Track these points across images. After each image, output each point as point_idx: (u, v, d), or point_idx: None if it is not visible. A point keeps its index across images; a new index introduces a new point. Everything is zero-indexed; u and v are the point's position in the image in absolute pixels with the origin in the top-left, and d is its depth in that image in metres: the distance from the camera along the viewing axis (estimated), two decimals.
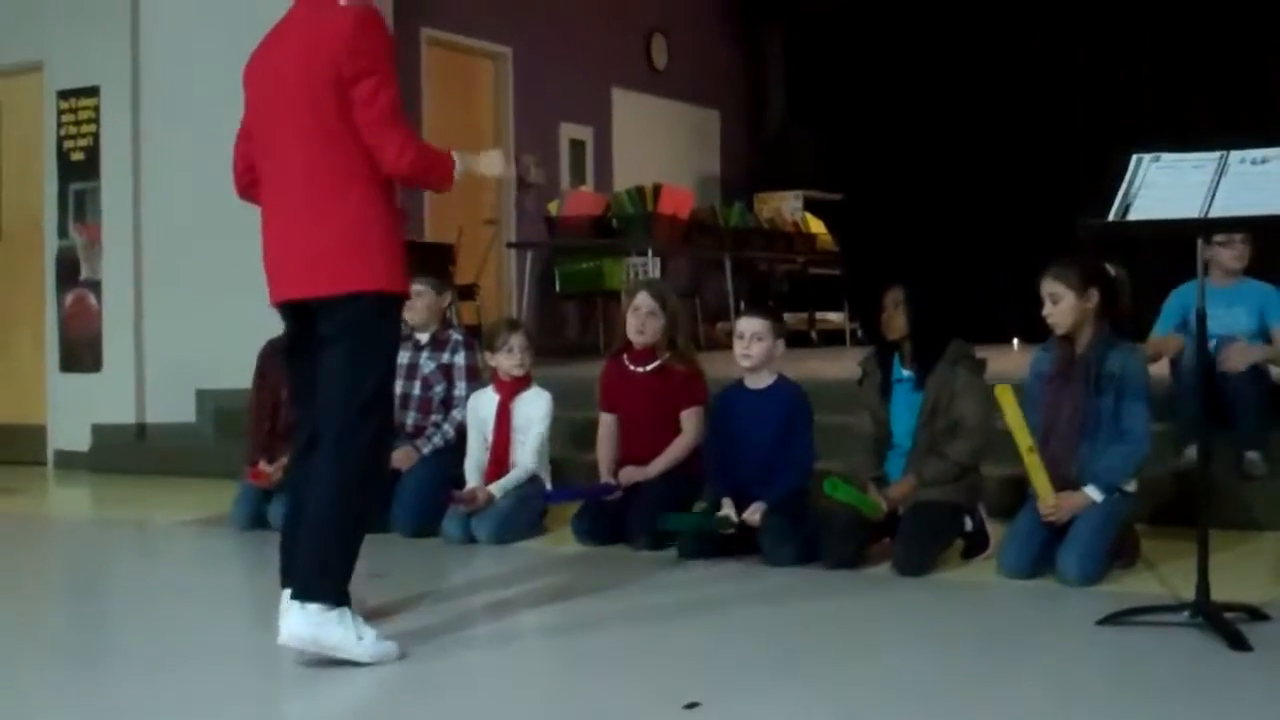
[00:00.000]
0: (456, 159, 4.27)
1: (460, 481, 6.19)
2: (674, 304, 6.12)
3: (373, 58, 4.09)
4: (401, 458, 6.31)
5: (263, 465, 6.53)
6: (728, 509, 5.48)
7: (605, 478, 6.02)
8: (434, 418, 6.54)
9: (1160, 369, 5.94)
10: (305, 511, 4.16)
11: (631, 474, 5.93)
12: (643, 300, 6.03)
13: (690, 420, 5.96)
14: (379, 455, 4.35)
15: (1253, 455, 5.92)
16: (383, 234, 4.18)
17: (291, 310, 4.31)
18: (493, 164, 4.42)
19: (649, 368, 6.04)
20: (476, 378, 6.61)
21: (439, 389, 6.57)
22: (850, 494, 5.21)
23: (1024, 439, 4.94)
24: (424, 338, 6.62)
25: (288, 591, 4.29)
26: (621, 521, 5.86)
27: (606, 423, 6.14)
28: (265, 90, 4.27)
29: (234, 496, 6.66)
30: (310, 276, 4.16)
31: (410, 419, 6.55)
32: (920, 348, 5.43)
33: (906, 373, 5.47)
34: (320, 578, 4.08)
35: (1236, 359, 5.73)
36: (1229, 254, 6.01)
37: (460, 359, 6.60)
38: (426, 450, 6.43)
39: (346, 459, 4.13)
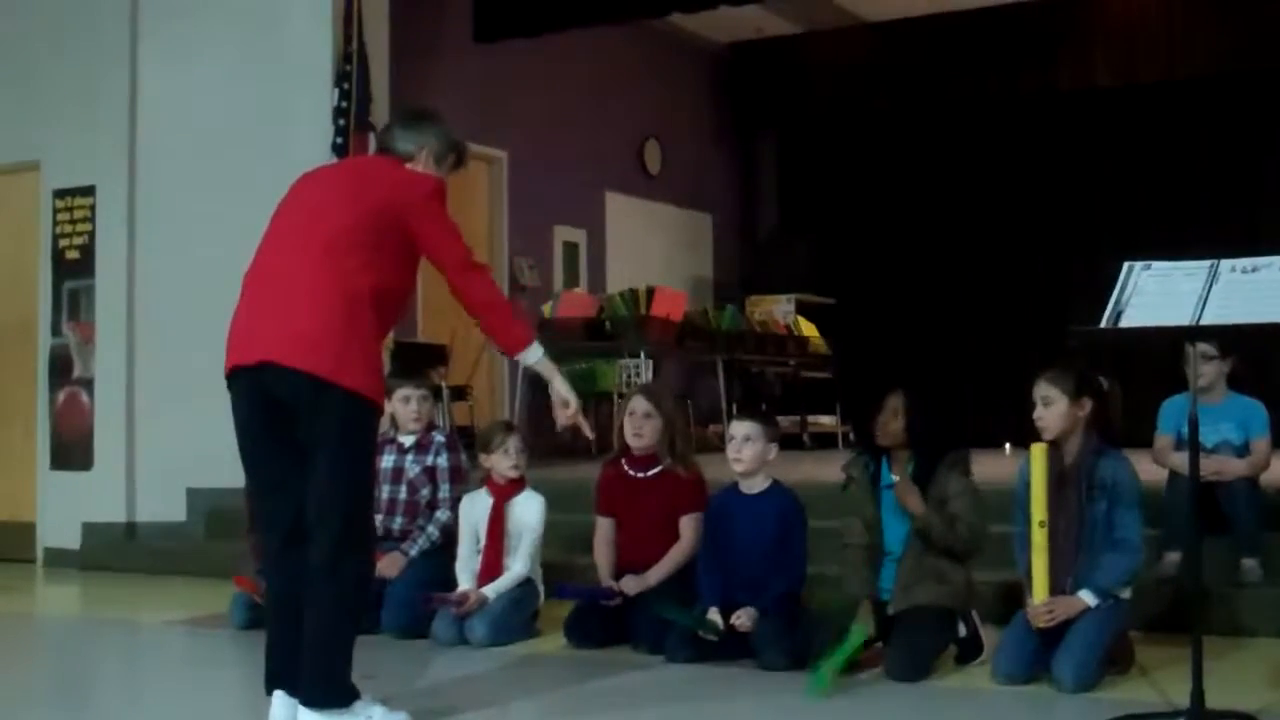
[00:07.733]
0: (539, 348, 4.60)
1: (451, 584, 6.15)
2: (670, 407, 6.05)
3: (441, 214, 4.41)
4: (389, 564, 6.25)
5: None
6: (714, 616, 5.44)
7: (606, 581, 5.95)
8: (419, 521, 6.49)
9: (1159, 474, 5.97)
10: (307, 626, 4.19)
11: (634, 584, 5.85)
12: (637, 404, 5.99)
13: (689, 527, 5.89)
14: (371, 556, 4.53)
15: (1249, 562, 5.92)
16: (377, 349, 4.33)
17: (258, 387, 4.24)
18: (563, 392, 4.59)
19: (650, 474, 6.00)
20: (460, 479, 6.57)
21: (425, 492, 6.52)
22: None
23: (1040, 510, 4.89)
24: (408, 441, 6.59)
25: (279, 694, 4.27)
26: (614, 625, 5.83)
27: (604, 527, 6.09)
28: (312, 191, 4.43)
29: (232, 595, 6.54)
30: (312, 353, 4.15)
31: (397, 524, 6.50)
32: (921, 455, 5.38)
33: (896, 478, 5.43)
34: (332, 685, 4.19)
35: (1213, 468, 5.81)
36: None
37: (443, 460, 6.55)
38: (413, 553, 6.37)
39: (346, 571, 4.23)
